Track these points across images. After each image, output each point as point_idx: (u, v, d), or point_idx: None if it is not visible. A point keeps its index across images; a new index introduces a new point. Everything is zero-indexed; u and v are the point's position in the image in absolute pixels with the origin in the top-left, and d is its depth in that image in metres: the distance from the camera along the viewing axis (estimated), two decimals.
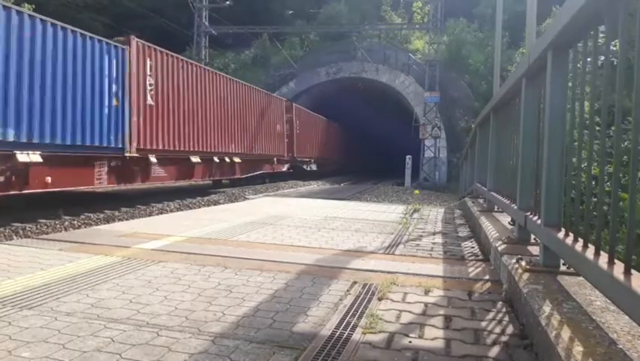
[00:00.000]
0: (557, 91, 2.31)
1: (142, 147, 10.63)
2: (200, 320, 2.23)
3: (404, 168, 23.79)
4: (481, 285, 2.95)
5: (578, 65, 2.16)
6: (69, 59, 8.71)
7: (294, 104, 23.12)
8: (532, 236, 2.98)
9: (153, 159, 11.16)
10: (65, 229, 7.79)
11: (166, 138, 11.59)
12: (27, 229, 7.65)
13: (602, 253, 1.61)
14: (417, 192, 18.58)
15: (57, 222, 8.40)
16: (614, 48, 1.81)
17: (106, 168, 9.87)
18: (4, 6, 7.49)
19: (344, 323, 2.22)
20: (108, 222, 8.41)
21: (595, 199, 1.84)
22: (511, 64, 19.35)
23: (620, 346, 1.42)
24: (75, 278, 2.88)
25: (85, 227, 7.88)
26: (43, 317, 2.21)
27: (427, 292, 2.74)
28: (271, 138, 19.23)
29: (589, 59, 1.94)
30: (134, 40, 10.44)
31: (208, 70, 14.30)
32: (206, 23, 26.72)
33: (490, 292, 2.77)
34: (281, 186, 19.56)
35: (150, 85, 10.96)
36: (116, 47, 9.96)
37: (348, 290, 2.77)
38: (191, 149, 12.78)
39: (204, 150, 13.54)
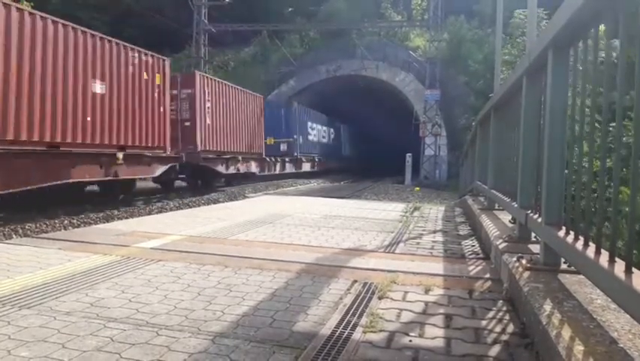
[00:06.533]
0: (558, 89, 2.30)
1: None
2: (199, 319, 2.22)
3: (404, 166, 23.79)
4: (481, 284, 2.94)
5: (579, 64, 2.14)
6: None
7: (198, 75, 13.90)
8: (533, 234, 2.97)
9: None
10: (64, 228, 7.79)
11: None
12: (26, 227, 7.66)
13: (602, 251, 1.60)
14: (418, 189, 18.56)
15: (56, 221, 8.40)
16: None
17: None
18: None
19: (344, 322, 2.21)
20: (107, 221, 8.41)
21: (595, 195, 1.83)
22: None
23: (621, 345, 1.41)
24: (74, 277, 2.87)
25: (84, 226, 7.87)
26: (43, 316, 2.20)
27: (427, 291, 2.73)
28: (121, 115, 10.32)
29: (589, 57, 1.92)
30: None
31: None
32: (206, 21, 26.67)
33: (490, 291, 2.76)
34: (281, 185, 19.59)
35: None
36: None
37: (348, 289, 2.76)
38: None
39: None
